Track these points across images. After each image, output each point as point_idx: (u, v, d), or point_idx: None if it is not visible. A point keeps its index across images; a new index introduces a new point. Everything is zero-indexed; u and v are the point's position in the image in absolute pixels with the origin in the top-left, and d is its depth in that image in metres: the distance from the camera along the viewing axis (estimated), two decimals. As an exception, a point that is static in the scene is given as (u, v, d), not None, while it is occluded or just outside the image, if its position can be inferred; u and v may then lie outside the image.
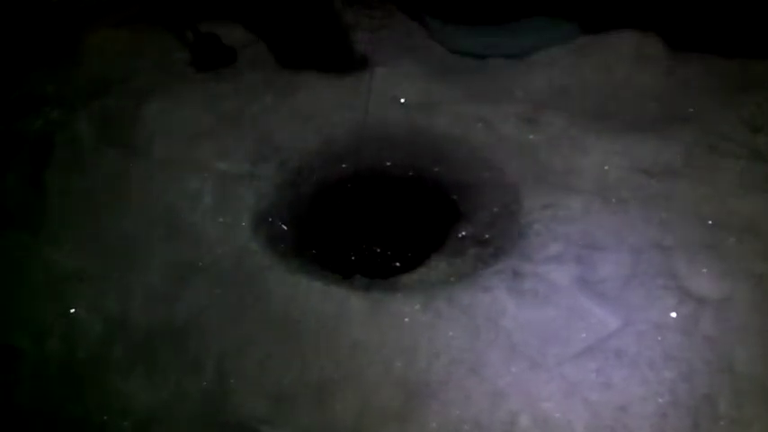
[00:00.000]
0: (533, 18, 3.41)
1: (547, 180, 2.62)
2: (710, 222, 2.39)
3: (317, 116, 2.99)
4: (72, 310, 2.32)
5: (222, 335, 2.22)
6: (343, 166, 2.85)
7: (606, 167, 2.64)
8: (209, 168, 2.76)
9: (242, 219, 2.58)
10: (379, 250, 2.61)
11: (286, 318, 2.24)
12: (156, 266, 2.43)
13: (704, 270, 2.24)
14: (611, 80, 3.09)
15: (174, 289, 2.36)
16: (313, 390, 2.06)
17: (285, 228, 2.62)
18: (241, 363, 2.14)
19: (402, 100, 3.05)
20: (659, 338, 2.08)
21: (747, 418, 1.91)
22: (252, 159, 2.81)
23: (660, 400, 1.95)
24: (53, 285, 2.40)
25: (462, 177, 2.75)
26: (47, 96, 3.18)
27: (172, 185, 2.70)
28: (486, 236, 2.51)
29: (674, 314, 2.13)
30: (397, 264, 2.54)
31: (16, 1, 3.43)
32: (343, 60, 3.32)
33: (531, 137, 2.82)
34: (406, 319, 2.18)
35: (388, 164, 2.86)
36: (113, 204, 2.64)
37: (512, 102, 2.99)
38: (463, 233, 2.55)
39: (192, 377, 2.13)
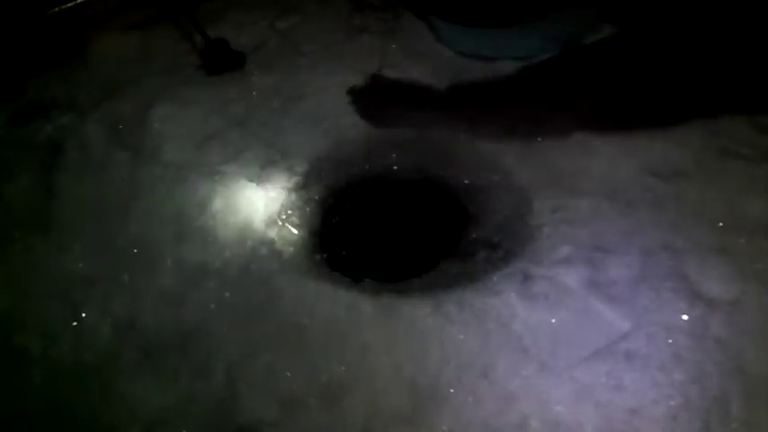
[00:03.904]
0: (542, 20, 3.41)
1: (555, 183, 2.61)
2: (721, 224, 2.38)
3: (326, 120, 2.99)
4: (82, 314, 2.33)
5: (231, 338, 2.23)
6: (352, 169, 2.84)
7: (615, 170, 2.63)
8: (218, 172, 2.76)
9: (251, 222, 2.58)
10: (388, 254, 2.61)
11: (295, 321, 2.24)
12: (165, 270, 2.44)
13: (715, 272, 2.23)
14: (618, 81, 3.08)
15: (183, 292, 2.37)
16: (322, 393, 2.06)
17: (294, 231, 2.62)
18: (250, 366, 2.15)
19: (410, 102, 3.05)
20: (670, 341, 2.07)
21: (759, 420, 1.90)
22: (260, 163, 2.81)
23: (671, 403, 1.94)
24: (63, 289, 2.42)
25: (471, 180, 2.74)
26: (56, 100, 3.20)
27: (181, 189, 2.71)
28: (496, 239, 2.50)
29: (684, 316, 2.12)
30: (407, 267, 2.53)
31: (25, 6, 3.45)
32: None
33: (539, 139, 2.81)
34: (417, 323, 2.18)
35: (397, 167, 2.86)
36: (123, 208, 2.66)
37: (519, 104, 2.98)
38: (473, 236, 2.55)
39: (200, 381, 2.14)
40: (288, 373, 2.11)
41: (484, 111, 2.96)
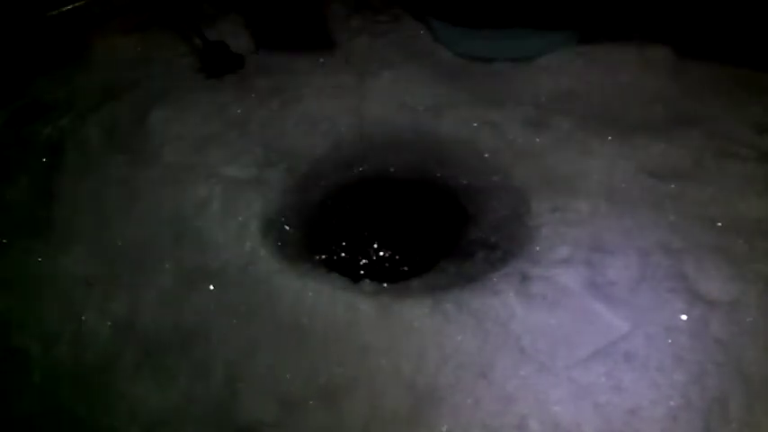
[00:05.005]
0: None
1: (554, 183, 2.62)
2: (719, 225, 2.38)
3: (324, 121, 2.99)
4: (81, 315, 2.32)
5: (230, 339, 2.22)
6: (351, 170, 2.85)
7: (613, 170, 2.64)
8: (216, 174, 2.76)
9: (250, 224, 2.58)
10: (387, 254, 2.61)
11: (294, 322, 2.24)
12: (164, 271, 2.44)
13: (714, 272, 2.23)
14: (618, 83, 3.08)
15: (182, 294, 2.37)
16: (321, 394, 2.06)
17: (293, 232, 2.62)
18: (249, 367, 2.15)
19: (409, 103, 3.05)
20: (669, 341, 2.07)
21: (759, 420, 1.90)
22: (259, 165, 2.81)
23: (671, 404, 1.94)
24: (62, 290, 2.41)
25: (470, 181, 2.74)
26: (56, 102, 3.20)
27: (180, 191, 2.70)
28: (495, 239, 2.50)
29: (683, 317, 2.12)
30: (406, 268, 2.53)
31: (25, 7, 3.45)
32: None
33: (537, 140, 2.81)
34: (415, 324, 2.18)
35: (396, 168, 2.86)
36: (122, 210, 2.65)
37: (518, 105, 2.98)
38: (471, 237, 2.55)
39: (200, 382, 2.13)
40: (287, 374, 2.11)
41: (482, 111, 2.96)
